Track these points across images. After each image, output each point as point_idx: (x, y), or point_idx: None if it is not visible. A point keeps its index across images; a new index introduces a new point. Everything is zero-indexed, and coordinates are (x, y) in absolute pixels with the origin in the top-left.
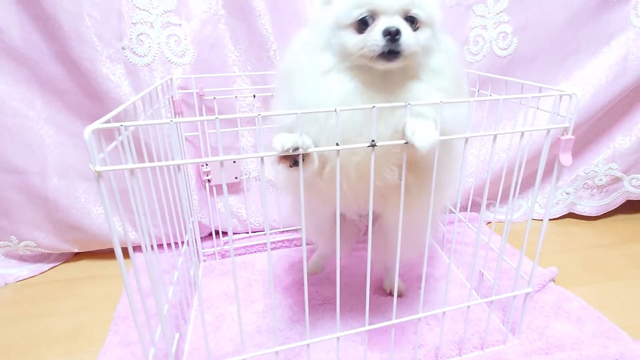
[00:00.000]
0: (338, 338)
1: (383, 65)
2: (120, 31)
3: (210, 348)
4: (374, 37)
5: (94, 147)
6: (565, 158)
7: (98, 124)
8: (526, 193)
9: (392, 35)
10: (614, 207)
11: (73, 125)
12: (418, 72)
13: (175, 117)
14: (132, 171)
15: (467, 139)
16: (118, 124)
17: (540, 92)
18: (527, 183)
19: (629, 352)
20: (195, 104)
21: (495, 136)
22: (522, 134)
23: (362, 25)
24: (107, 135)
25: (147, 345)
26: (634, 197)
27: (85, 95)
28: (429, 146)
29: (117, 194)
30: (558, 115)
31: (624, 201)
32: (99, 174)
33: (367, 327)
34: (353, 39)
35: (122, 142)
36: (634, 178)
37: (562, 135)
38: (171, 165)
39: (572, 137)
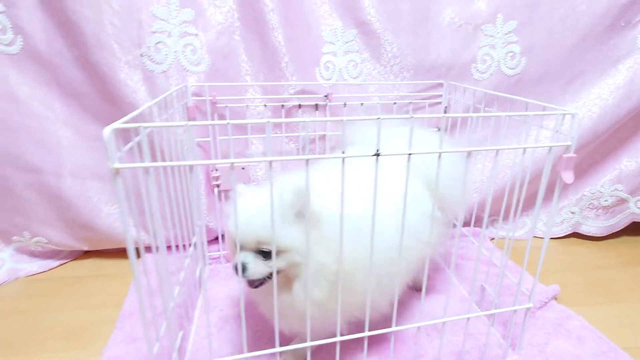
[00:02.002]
0: (338, 343)
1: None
2: (139, 39)
3: (212, 347)
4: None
5: (113, 145)
6: (567, 176)
7: (118, 124)
8: (530, 211)
9: (236, 270)
10: (619, 229)
11: (89, 128)
12: (292, 279)
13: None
14: (147, 169)
15: (469, 153)
16: (137, 124)
17: (543, 110)
18: (531, 201)
19: None
20: (208, 111)
21: (497, 151)
22: (524, 150)
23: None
24: (123, 137)
25: (152, 340)
26: (639, 219)
27: (102, 100)
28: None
29: (132, 194)
30: (560, 133)
31: (629, 222)
32: (117, 171)
33: (367, 333)
34: None
35: (138, 142)
36: (639, 200)
37: (565, 153)
38: (184, 165)
39: (574, 155)
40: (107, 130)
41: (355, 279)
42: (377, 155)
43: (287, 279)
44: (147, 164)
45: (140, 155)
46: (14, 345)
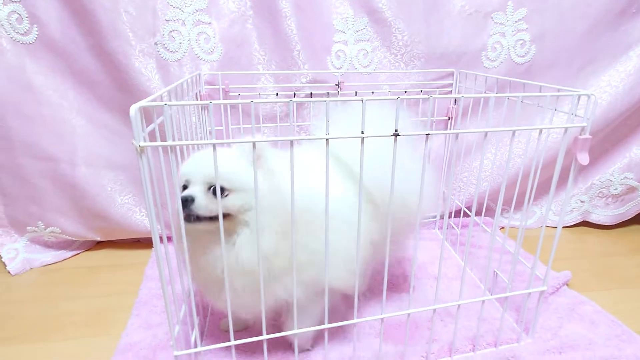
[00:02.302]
0: (355, 325)
1: (190, 227)
2: (154, 27)
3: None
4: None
5: (139, 123)
6: (583, 157)
7: (144, 102)
8: (540, 200)
9: (183, 202)
10: (629, 217)
11: (103, 117)
12: (237, 229)
13: (201, 111)
14: (172, 148)
15: (486, 133)
16: (163, 103)
17: (558, 92)
18: (542, 190)
19: None
20: (221, 99)
21: (513, 132)
22: (540, 131)
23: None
24: (146, 119)
25: (173, 323)
26: None
27: (116, 88)
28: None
29: (155, 179)
30: (576, 116)
31: (639, 211)
32: (142, 149)
33: (383, 315)
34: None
35: (159, 125)
36: None
37: (580, 134)
38: (206, 145)
39: (590, 137)
40: (134, 108)
41: (301, 232)
42: (396, 135)
43: (228, 231)
44: (171, 142)
45: (164, 135)
46: (35, 332)
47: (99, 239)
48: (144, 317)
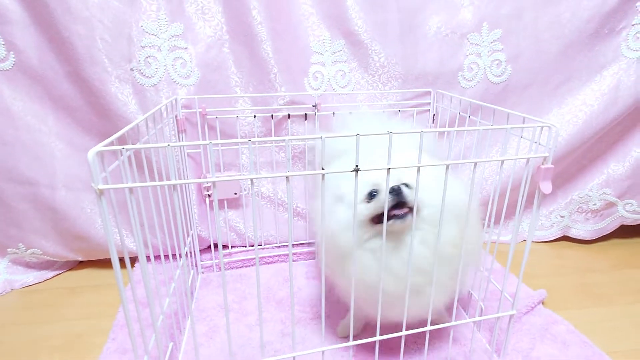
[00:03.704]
0: (323, 352)
1: (393, 226)
2: (130, 54)
3: (202, 358)
4: (383, 197)
5: (97, 167)
6: (546, 186)
7: (100, 147)
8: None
9: (395, 190)
10: (608, 232)
11: (82, 140)
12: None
13: (179, 135)
14: (131, 190)
15: (448, 166)
16: (120, 147)
17: (524, 122)
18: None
19: None
20: (198, 123)
21: (475, 164)
22: (502, 162)
23: (370, 197)
24: (111, 153)
25: (140, 353)
26: (628, 222)
27: (94, 113)
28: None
29: (116, 209)
30: (539, 144)
31: (618, 226)
32: (101, 192)
33: (352, 343)
34: (366, 206)
35: (122, 163)
36: (627, 203)
37: (542, 164)
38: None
39: (552, 166)
40: (91, 153)
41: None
42: (357, 170)
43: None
44: (130, 184)
45: (126, 174)
46: (10, 357)
47: (80, 258)
48: (120, 342)
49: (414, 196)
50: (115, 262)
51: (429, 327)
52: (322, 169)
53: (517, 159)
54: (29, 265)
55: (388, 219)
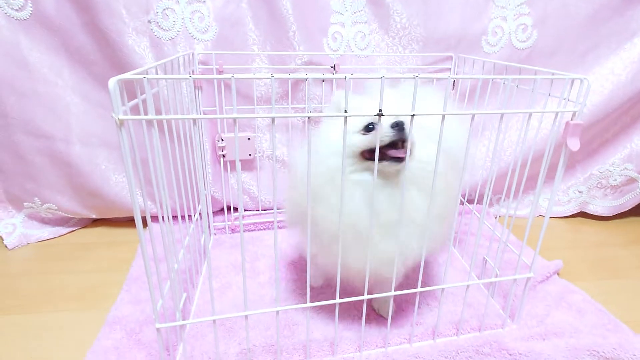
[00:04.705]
0: (337, 305)
1: (388, 167)
2: (148, 5)
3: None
4: (384, 130)
5: (118, 96)
6: (573, 142)
7: (123, 75)
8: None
9: (397, 124)
10: (627, 209)
11: (97, 95)
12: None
13: (195, 91)
14: (151, 122)
15: (473, 116)
16: (141, 76)
17: (552, 81)
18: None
19: (628, 344)
20: (215, 80)
21: (502, 115)
22: (530, 115)
23: (367, 130)
24: (130, 96)
25: (156, 297)
26: None
27: (110, 66)
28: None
29: (138, 161)
30: (569, 100)
31: (637, 203)
32: (121, 122)
33: (366, 297)
34: (361, 138)
35: (144, 100)
36: None
37: (571, 119)
38: (188, 119)
39: (581, 122)
40: (112, 82)
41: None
42: (380, 115)
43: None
44: (150, 116)
45: (145, 110)
46: (28, 304)
47: (94, 216)
48: (134, 293)
49: (411, 137)
50: (136, 207)
51: (443, 285)
52: (345, 111)
53: (545, 112)
54: (44, 221)
55: (384, 160)
